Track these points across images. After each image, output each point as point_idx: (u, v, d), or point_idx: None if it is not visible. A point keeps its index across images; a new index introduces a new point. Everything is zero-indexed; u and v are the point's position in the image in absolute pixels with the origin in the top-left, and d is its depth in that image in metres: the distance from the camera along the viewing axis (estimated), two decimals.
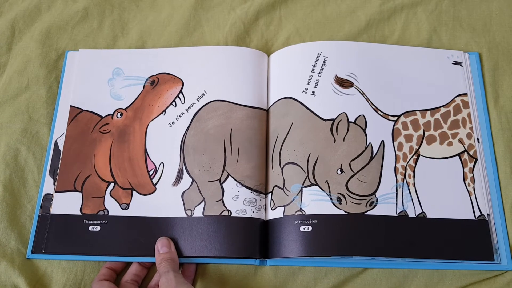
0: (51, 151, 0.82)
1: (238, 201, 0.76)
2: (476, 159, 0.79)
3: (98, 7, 0.97)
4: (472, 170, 0.78)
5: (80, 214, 0.77)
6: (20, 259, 0.76)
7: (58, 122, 0.84)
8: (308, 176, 0.76)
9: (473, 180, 0.77)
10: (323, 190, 0.75)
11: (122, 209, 0.77)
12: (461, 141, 0.80)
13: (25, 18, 0.96)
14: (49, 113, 0.86)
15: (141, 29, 0.95)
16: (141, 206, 0.77)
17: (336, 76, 0.82)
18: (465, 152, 0.79)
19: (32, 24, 0.95)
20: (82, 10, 0.96)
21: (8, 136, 0.84)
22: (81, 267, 0.76)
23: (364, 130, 0.79)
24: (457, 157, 0.79)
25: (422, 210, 0.75)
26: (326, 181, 0.75)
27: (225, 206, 0.76)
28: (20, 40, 0.94)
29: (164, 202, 0.78)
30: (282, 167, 0.78)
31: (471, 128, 0.81)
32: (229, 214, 0.75)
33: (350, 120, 0.79)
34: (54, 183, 0.80)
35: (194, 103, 0.83)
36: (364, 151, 0.77)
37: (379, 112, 0.80)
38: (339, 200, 0.74)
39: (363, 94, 0.81)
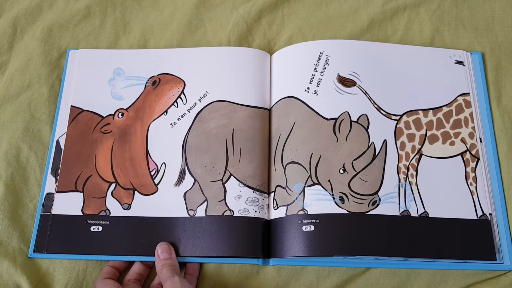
0: (52, 150, 0.82)
1: (241, 201, 0.76)
2: (478, 159, 0.79)
3: (100, 6, 0.97)
4: (474, 169, 0.78)
5: (81, 214, 0.77)
6: (22, 258, 0.76)
7: (60, 120, 0.84)
8: (310, 176, 0.76)
9: (475, 179, 0.77)
10: (326, 190, 0.75)
11: (124, 209, 0.77)
12: (463, 140, 0.80)
13: (27, 16, 0.96)
14: (51, 112, 0.86)
15: (143, 28, 0.95)
16: (143, 206, 0.77)
17: (339, 75, 0.82)
18: (468, 152, 0.79)
19: (34, 23, 0.95)
20: (84, 9, 0.96)
21: (10, 135, 0.84)
22: (83, 266, 0.76)
23: (366, 129, 0.79)
24: (460, 156, 0.79)
25: (424, 209, 0.75)
26: (329, 181, 0.75)
27: (227, 206, 0.76)
28: (22, 39, 0.94)
29: (166, 202, 0.78)
30: (284, 166, 0.78)
31: (473, 128, 0.81)
32: (232, 214, 0.75)
33: (352, 119, 0.79)
34: (55, 182, 0.80)
35: (196, 103, 0.83)
36: (366, 150, 0.77)
37: (381, 111, 0.80)
38: (341, 199, 0.74)
39: (365, 93, 0.81)
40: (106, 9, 0.97)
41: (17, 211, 0.79)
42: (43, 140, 0.84)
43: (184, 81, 0.85)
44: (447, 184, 0.77)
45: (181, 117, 0.83)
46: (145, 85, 0.86)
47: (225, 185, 0.78)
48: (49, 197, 0.78)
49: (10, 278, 0.74)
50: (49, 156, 0.82)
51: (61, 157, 0.81)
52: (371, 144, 0.78)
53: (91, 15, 0.96)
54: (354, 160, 0.76)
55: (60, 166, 0.80)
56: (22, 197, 0.80)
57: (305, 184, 0.76)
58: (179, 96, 0.84)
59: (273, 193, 0.77)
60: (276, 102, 0.83)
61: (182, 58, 0.88)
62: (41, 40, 0.92)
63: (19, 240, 0.77)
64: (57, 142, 0.82)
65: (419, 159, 0.78)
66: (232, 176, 0.78)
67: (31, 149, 0.83)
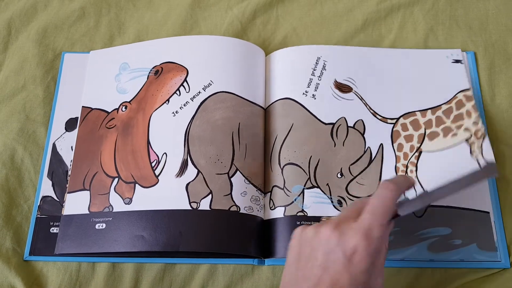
0: (48, 153, 0.82)
1: (246, 197, 0.75)
2: (485, 136, 0.77)
3: (95, 7, 0.97)
4: (481, 147, 0.77)
5: (88, 212, 0.76)
6: (15, 259, 0.76)
7: (55, 122, 0.84)
8: (309, 178, 0.76)
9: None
10: (324, 193, 0.75)
11: (126, 204, 0.76)
12: (467, 129, 0.78)
13: (21, 17, 0.95)
14: (46, 113, 0.86)
15: (138, 29, 0.95)
16: (144, 200, 0.75)
17: (336, 81, 0.83)
18: (473, 136, 0.78)
19: (28, 24, 0.95)
20: (78, 10, 0.96)
21: (4, 136, 0.84)
22: (75, 267, 0.76)
23: (362, 134, 0.79)
24: (464, 142, 0.78)
25: None
26: (327, 184, 0.76)
27: (234, 201, 0.74)
28: (17, 40, 0.94)
29: (167, 194, 0.75)
30: (282, 167, 0.77)
31: (477, 117, 0.79)
32: (238, 210, 0.74)
33: (349, 124, 0.79)
34: (52, 185, 0.80)
35: (199, 92, 0.81)
36: (363, 155, 0.77)
37: (377, 116, 0.81)
38: (339, 203, 0.75)
39: (361, 99, 0.82)
40: (101, 9, 0.97)
41: (11, 212, 0.79)
42: (38, 141, 0.84)
43: (187, 69, 0.83)
44: (449, 174, 0.77)
45: (184, 105, 0.80)
46: (148, 76, 0.84)
47: (231, 179, 0.76)
48: (46, 200, 0.78)
49: (4, 280, 0.74)
50: (44, 158, 0.82)
51: (72, 158, 0.80)
52: (367, 149, 0.78)
53: (86, 16, 0.96)
54: (351, 164, 0.77)
55: (70, 167, 0.80)
56: (16, 198, 0.80)
57: (304, 186, 0.76)
58: (182, 84, 0.82)
59: (269, 193, 0.77)
60: (273, 103, 0.83)
61: (186, 46, 0.86)
62: (35, 41, 0.92)
63: (13, 241, 0.77)
64: (53, 145, 0.82)
65: (419, 156, 0.78)
66: (238, 171, 0.76)
67: (26, 150, 0.83)
